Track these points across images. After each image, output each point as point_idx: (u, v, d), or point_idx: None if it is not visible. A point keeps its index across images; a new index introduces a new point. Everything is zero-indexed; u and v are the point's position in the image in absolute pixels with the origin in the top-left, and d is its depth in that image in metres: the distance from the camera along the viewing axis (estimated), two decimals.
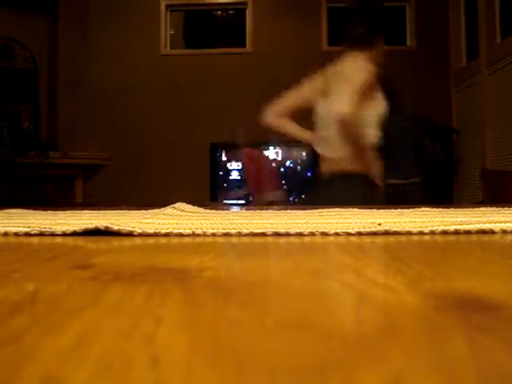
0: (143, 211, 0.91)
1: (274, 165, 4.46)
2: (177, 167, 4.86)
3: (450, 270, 0.33)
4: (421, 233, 0.53)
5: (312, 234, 0.53)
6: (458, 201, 4.98)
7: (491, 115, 4.39)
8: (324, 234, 0.53)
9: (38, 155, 4.04)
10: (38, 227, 0.56)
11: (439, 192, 4.97)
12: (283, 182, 4.28)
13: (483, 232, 0.54)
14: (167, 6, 5.08)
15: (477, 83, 4.52)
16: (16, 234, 0.55)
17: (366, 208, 0.89)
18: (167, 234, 0.53)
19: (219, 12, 5.23)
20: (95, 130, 4.71)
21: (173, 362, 0.15)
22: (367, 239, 0.51)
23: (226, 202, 4.53)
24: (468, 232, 0.54)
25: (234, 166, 4.74)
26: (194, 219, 0.71)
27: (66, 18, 4.68)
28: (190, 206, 0.96)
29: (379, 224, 0.57)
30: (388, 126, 1.93)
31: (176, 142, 4.87)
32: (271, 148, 4.61)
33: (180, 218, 0.73)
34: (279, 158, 4.70)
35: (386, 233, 0.53)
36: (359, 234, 0.53)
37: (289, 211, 0.89)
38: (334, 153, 1.89)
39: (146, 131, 4.91)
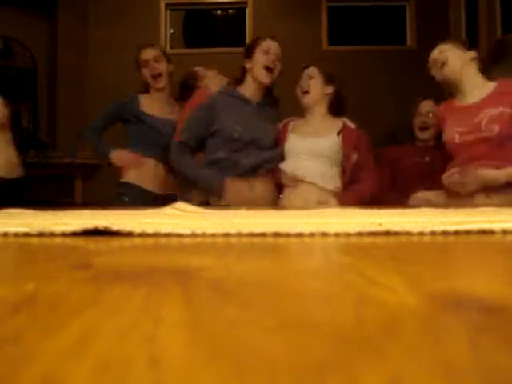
0: (143, 211, 0.91)
1: None
2: None
3: (450, 270, 0.33)
4: (421, 233, 0.53)
5: (312, 234, 0.53)
6: None
7: None
8: (324, 234, 0.53)
9: (37, 155, 4.04)
10: (38, 227, 0.56)
11: None
12: None
13: (483, 232, 0.54)
14: (167, 5, 5.08)
15: None
16: (16, 235, 0.55)
17: None
18: (167, 234, 0.53)
19: (219, 11, 5.23)
20: None
21: (172, 361, 0.15)
22: (367, 239, 0.51)
23: None
24: (468, 232, 0.54)
25: None
26: (194, 219, 0.71)
27: (65, 17, 4.68)
28: (190, 206, 0.96)
29: (380, 224, 0.57)
30: None
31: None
32: None
33: (180, 218, 0.73)
34: None
35: (387, 233, 0.53)
36: (359, 234, 0.53)
37: (289, 211, 0.89)
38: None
39: None
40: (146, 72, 2.37)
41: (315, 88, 2.03)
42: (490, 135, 1.67)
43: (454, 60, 1.81)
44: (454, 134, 1.78)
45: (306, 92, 2.03)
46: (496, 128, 1.66)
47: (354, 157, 1.96)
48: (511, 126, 1.65)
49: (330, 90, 2.04)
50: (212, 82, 2.39)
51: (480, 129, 1.69)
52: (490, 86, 1.77)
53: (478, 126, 1.70)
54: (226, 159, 1.92)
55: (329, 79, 2.06)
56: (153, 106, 2.30)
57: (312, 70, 2.07)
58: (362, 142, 2.00)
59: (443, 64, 1.82)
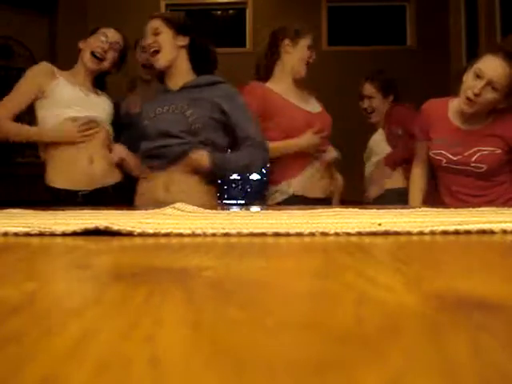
0: (143, 211, 0.91)
1: None
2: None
3: (450, 270, 0.33)
4: (421, 233, 0.53)
5: (312, 234, 0.53)
6: None
7: None
8: (324, 234, 0.53)
9: (35, 155, 4.04)
10: (38, 227, 0.56)
11: None
12: None
13: (483, 232, 0.54)
14: (167, 6, 5.08)
15: None
16: (16, 234, 0.55)
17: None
18: (167, 234, 0.53)
19: (219, 12, 5.24)
20: None
21: (172, 361, 0.15)
22: (367, 239, 0.51)
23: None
24: (468, 232, 0.54)
25: None
26: (194, 219, 0.71)
27: (65, 17, 4.68)
28: (190, 206, 0.96)
29: (379, 224, 0.57)
30: None
31: None
32: None
33: (180, 218, 0.73)
34: None
35: (386, 233, 0.53)
36: (359, 234, 0.53)
37: (289, 211, 0.89)
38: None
39: None
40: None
41: (377, 106, 2.41)
42: (477, 171, 1.72)
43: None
44: (441, 156, 1.75)
45: (371, 112, 2.41)
46: (484, 167, 1.70)
47: (398, 131, 2.33)
48: (497, 165, 1.70)
49: (390, 99, 2.42)
50: None
51: (469, 163, 1.72)
52: (490, 119, 1.70)
53: (468, 160, 1.72)
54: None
55: (387, 89, 2.44)
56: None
57: (367, 89, 2.45)
58: (405, 118, 2.29)
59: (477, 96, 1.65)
